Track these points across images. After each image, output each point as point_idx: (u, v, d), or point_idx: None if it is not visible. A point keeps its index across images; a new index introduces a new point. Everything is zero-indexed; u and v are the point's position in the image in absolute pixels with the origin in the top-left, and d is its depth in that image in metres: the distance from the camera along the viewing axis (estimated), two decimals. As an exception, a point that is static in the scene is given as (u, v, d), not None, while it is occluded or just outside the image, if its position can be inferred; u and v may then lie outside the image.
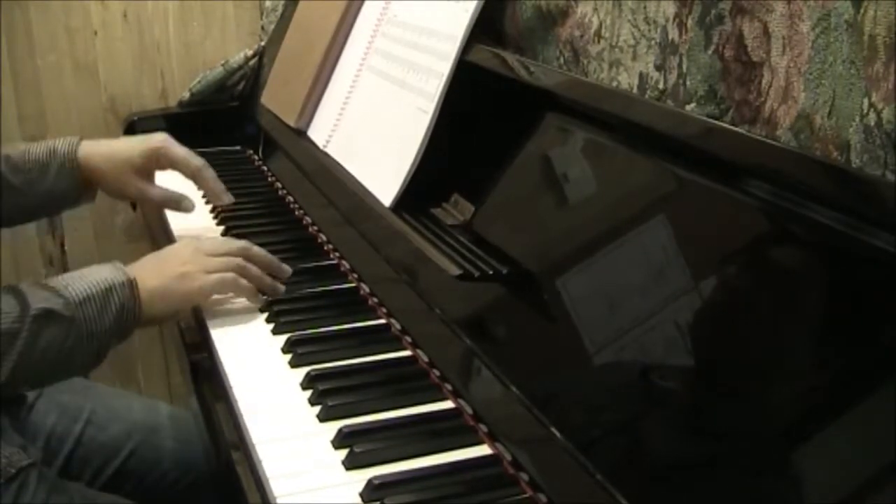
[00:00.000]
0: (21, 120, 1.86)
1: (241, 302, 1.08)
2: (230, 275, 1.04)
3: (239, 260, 1.06)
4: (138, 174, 1.27)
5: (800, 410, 0.61)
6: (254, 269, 1.07)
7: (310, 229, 1.33)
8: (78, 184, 1.25)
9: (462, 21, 1.10)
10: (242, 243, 1.10)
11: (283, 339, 1.00)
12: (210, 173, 1.28)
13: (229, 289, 1.05)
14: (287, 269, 1.11)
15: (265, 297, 1.08)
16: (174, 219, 1.37)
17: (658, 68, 0.94)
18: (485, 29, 1.12)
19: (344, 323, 1.04)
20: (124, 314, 0.95)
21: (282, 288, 1.09)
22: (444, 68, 1.10)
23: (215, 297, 1.06)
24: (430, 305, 0.98)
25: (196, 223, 1.36)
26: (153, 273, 1.00)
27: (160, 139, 1.28)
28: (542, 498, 0.73)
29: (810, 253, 0.65)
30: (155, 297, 0.98)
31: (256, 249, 1.10)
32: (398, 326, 1.02)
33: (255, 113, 1.72)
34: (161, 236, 1.37)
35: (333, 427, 0.84)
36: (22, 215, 1.29)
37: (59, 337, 0.91)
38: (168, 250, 1.08)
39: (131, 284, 0.96)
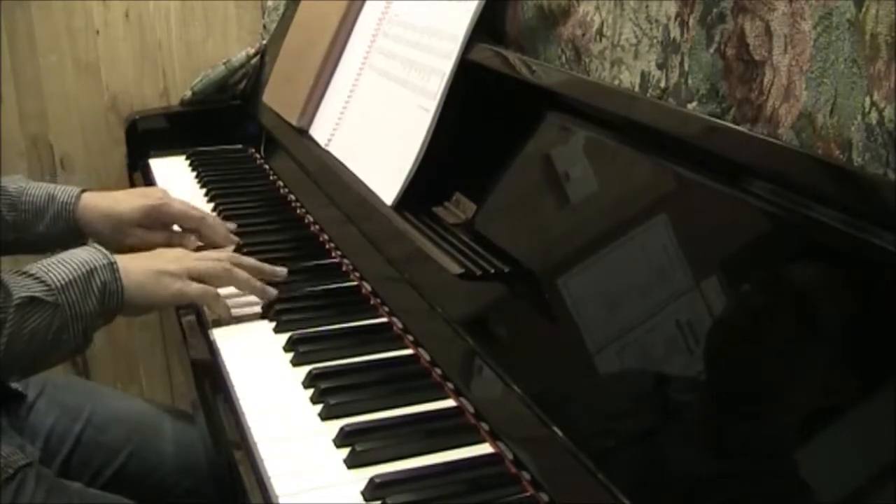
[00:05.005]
0: (22, 119, 1.86)
1: (243, 301, 1.08)
2: (213, 291, 1.04)
3: (226, 264, 1.06)
4: (137, 228, 1.23)
5: (800, 409, 0.61)
6: (241, 273, 1.07)
7: (311, 228, 1.33)
8: (71, 233, 1.23)
9: (464, 20, 1.10)
10: (230, 252, 1.12)
11: (284, 337, 1.00)
12: (210, 222, 1.24)
13: (210, 303, 1.04)
14: (281, 270, 1.12)
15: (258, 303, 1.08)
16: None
17: (660, 67, 0.94)
18: (486, 28, 1.12)
19: (345, 322, 1.04)
20: (107, 294, 0.96)
21: (273, 291, 1.08)
22: (445, 67, 1.10)
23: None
24: (431, 304, 0.98)
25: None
26: (136, 264, 1.00)
27: (158, 196, 1.24)
28: (544, 497, 0.73)
29: (811, 252, 0.65)
30: (133, 286, 0.98)
31: (246, 259, 1.11)
32: (400, 325, 1.02)
33: (257, 112, 1.72)
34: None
35: (335, 426, 0.84)
36: (11, 249, 1.27)
37: (45, 323, 0.92)
38: (159, 249, 1.07)
39: (112, 266, 0.97)
